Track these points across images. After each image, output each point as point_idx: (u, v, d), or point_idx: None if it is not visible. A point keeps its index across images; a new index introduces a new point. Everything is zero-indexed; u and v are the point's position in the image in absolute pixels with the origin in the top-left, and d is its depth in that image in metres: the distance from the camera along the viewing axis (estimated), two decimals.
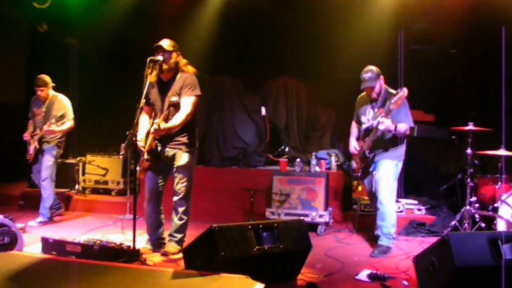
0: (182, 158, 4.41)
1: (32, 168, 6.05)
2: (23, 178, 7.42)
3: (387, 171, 4.75)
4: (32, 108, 5.99)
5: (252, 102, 7.29)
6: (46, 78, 5.89)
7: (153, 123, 4.30)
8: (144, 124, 4.48)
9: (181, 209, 4.49)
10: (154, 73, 4.33)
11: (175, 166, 4.43)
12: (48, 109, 5.84)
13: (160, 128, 4.13)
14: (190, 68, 4.48)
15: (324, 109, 7.56)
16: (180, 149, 4.41)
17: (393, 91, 4.76)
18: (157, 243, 4.61)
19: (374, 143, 4.78)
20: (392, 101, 4.45)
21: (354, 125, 5.22)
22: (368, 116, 4.90)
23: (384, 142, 4.80)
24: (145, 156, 4.33)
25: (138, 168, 4.32)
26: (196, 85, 4.39)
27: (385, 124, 4.53)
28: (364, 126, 4.93)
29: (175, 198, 4.48)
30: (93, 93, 7.98)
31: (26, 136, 5.93)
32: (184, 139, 4.42)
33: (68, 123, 5.83)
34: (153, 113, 4.50)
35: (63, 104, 5.89)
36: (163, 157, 4.44)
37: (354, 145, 5.04)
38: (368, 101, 4.96)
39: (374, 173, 4.83)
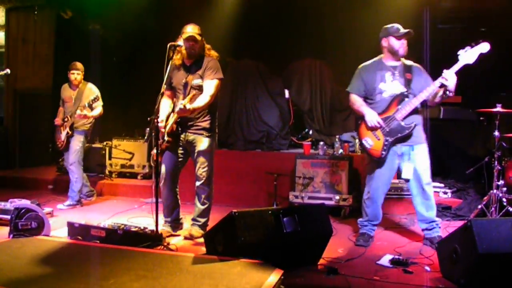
0: (203, 143, 4.43)
1: (64, 155, 6.17)
2: (53, 163, 7.59)
3: (427, 157, 4.23)
4: (63, 95, 6.11)
5: (275, 85, 7.24)
6: (81, 64, 6.05)
7: (175, 105, 4.32)
8: (165, 107, 4.51)
9: (203, 195, 4.53)
10: (179, 56, 4.37)
11: (196, 151, 4.45)
12: (78, 95, 5.97)
13: (186, 109, 4.14)
14: (213, 53, 4.51)
15: None
16: (201, 134, 4.43)
17: (408, 62, 4.30)
18: (174, 225, 4.68)
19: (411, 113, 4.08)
20: (469, 50, 3.92)
21: (358, 98, 4.34)
22: (389, 83, 4.21)
23: (419, 115, 4.16)
24: (166, 138, 4.38)
25: (154, 152, 4.34)
26: (218, 69, 4.41)
27: (453, 78, 3.96)
28: (389, 93, 4.20)
29: (198, 183, 4.51)
30: (117, 78, 8.06)
31: (58, 121, 6.05)
32: (205, 124, 4.44)
33: (99, 108, 5.95)
34: (175, 97, 4.54)
35: (93, 92, 6.02)
36: (183, 141, 4.47)
37: (376, 118, 4.14)
38: (380, 67, 4.28)
39: (406, 156, 4.20)
